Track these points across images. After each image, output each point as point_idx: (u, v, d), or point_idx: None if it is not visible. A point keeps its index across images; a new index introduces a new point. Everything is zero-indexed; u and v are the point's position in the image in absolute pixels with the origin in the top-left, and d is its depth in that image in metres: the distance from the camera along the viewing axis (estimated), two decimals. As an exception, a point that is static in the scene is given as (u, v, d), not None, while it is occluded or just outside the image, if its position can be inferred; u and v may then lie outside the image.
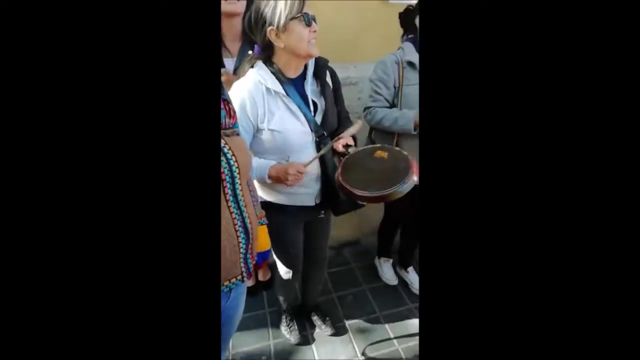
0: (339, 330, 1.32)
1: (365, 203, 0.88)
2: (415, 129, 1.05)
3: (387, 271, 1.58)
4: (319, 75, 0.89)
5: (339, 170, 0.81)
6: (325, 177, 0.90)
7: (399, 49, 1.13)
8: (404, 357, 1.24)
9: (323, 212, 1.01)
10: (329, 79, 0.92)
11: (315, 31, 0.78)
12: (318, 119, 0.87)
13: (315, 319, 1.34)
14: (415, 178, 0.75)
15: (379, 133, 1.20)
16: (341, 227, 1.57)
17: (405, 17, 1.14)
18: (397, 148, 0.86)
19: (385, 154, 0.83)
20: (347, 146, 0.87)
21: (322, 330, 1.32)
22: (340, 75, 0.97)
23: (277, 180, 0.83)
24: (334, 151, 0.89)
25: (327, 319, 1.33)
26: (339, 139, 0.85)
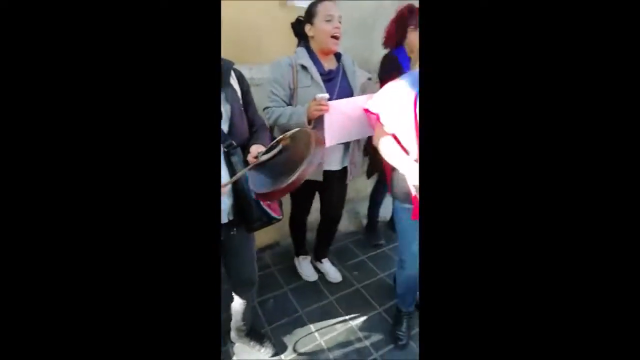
0: (260, 338, 1.28)
1: (279, 214, 0.85)
2: (309, 124, 1.09)
3: (305, 268, 1.62)
4: (222, 79, 0.82)
5: (251, 184, 0.76)
6: (237, 192, 0.84)
7: (295, 53, 1.18)
8: (325, 347, 1.28)
9: (235, 229, 0.94)
10: (235, 83, 0.86)
11: None
12: (224, 127, 0.82)
13: (234, 335, 1.27)
14: (320, 146, 0.72)
15: (279, 131, 1.22)
16: (260, 231, 1.53)
17: (297, 26, 1.20)
18: (298, 128, 0.82)
19: (287, 140, 0.80)
20: (259, 154, 0.81)
21: (242, 344, 1.27)
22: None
23: None
24: (247, 164, 0.83)
25: (246, 328, 1.28)
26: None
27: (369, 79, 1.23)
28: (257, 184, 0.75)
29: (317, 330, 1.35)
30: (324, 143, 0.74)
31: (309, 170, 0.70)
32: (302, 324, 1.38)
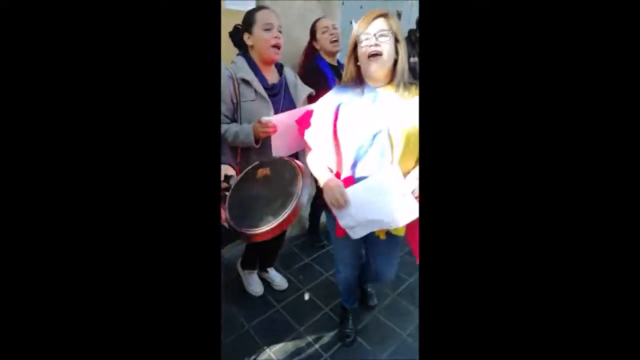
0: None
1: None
2: (257, 143, 1.05)
3: (253, 283, 1.57)
4: None
5: (227, 214, 0.69)
6: None
7: (232, 62, 1.11)
8: (275, 359, 1.27)
9: None
10: None
11: None
12: None
13: None
14: (307, 181, 0.70)
15: (228, 148, 1.15)
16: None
17: (235, 35, 1.14)
18: (278, 157, 0.80)
19: (267, 171, 0.75)
20: (227, 178, 0.74)
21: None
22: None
23: None
24: None
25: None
26: None
27: (311, 94, 1.23)
28: (236, 217, 0.70)
29: (265, 343, 1.33)
30: (305, 173, 0.73)
31: (297, 211, 0.67)
32: (250, 339, 1.34)
